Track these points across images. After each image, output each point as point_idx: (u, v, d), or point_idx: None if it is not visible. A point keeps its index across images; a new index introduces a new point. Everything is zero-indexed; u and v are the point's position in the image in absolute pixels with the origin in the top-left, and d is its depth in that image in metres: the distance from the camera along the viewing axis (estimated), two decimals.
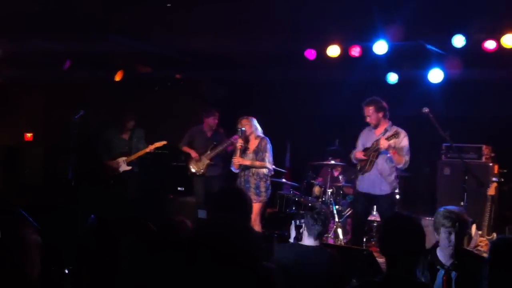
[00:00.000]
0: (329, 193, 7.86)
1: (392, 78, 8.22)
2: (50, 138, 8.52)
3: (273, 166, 7.06)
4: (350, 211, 7.70)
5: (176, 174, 9.08)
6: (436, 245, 3.81)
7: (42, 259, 2.93)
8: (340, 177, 8.17)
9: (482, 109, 8.07)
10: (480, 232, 6.43)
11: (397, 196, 6.69)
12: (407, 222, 2.90)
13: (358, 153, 6.42)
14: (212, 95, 9.84)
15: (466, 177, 6.18)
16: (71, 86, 8.15)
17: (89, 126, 8.26)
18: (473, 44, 7.08)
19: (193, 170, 7.98)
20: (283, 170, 8.73)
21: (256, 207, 6.41)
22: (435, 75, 7.80)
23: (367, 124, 6.55)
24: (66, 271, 3.10)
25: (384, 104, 6.35)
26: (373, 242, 7.58)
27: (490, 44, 7.05)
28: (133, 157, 7.95)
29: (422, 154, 8.15)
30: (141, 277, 3.16)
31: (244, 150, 6.93)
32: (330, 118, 9.25)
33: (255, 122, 7.00)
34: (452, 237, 3.64)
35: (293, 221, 4.30)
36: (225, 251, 2.14)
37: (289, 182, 8.55)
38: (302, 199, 8.17)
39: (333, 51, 7.81)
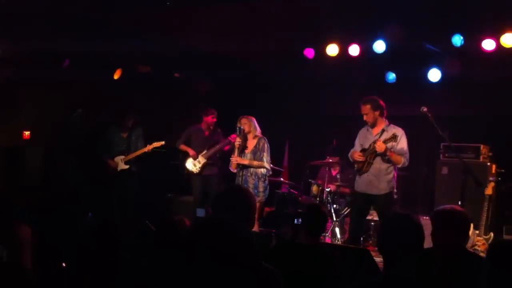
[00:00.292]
0: (327, 192, 7.87)
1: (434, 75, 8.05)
2: (49, 137, 8.51)
3: (271, 165, 7.06)
4: (348, 210, 7.71)
5: (174, 173, 9.07)
6: None
7: (39, 255, 2.94)
8: (338, 176, 8.17)
9: (480, 109, 8.08)
10: (477, 232, 6.44)
11: (395, 196, 6.69)
12: (406, 221, 2.89)
13: (355, 155, 6.41)
14: (211, 94, 9.84)
15: (464, 177, 6.18)
16: (70, 85, 8.13)
17: (89, 125, 8.26)
18: (472, 44, 7.09)
19: (190, 169, 7.98)
20: (281, 169, 8.74)
21: None
22: (434, 75, 7.81)
23: (366, 123, 6.54)
24: (63, 265, 3.11)
25: (381, 102, 6.34)
26: (370, 242, 7.59)
27: (489, 44, 7.05)
28: (131, 156, 7.94)
29: (421, 153, 8.18)
30: (140, 276, 3.16)
31: (242, 150, 6.93)
32: (328, 117, 9.27)
33: (254, 121, 6.99)
34: None
35: (291, 220, 4.31)
36: (223, 250, 2.14)
37: (287, 181, 8.56)
38: (300, 198, 8.19)
39: (332, 50, 7.81)
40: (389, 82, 8.32)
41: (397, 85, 8.25)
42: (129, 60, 8.55)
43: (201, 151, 7.94)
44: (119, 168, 7.96)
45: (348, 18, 6.75)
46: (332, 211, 7.69)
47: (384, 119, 6.37)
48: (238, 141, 6.89)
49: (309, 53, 7.99)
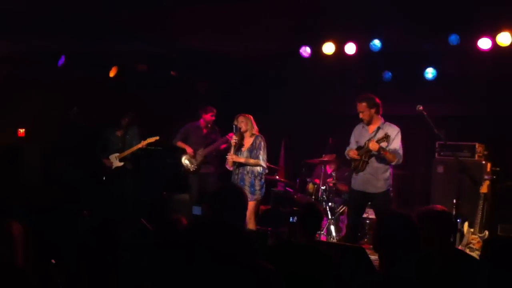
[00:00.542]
0: (322, 190, 7.88)
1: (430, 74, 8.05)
2: (45, 136, 8.50)
3: (267, 164, 7.07)
4: (343, 209, 7.73)
5: (170, 171, 9.07)
6: None
7: (35, 254, 2.95)
8: (334, 174, 8.19)
9: (476, 108, 8.11)
10: (472, 230, 6.47)
11: (391, 194, 6.71)
12: (402, 220, 2.91)
13: (351, 152, 6.43)
14: (207, 93, 9.84)
15: (460, 175, 6.20)
16: (67, 84, 8.12)
17: (85, 123, 8.24)
18: (468, 43, 7.10)
19: (186, 167, 7.98)
20: (277, 168, 8.75)
21: (250, 205, 6.40)
22: (430, 73, 7.83)
23: (361, 121, 6.55)
24: (53, 261, 3.12)
25: (377, 100, 6.35)
26: (365, 240, 7.62)
27: (485, 43, 7.07)
28: (126, 153, 7.94)
29: (417, 152, 8.19)
30: (139, 275, 3.17)
31: (238, 148, 6.93)
32: (325, 116, 9.28)
33: (251, 120, 6.99)
34: None
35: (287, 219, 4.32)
36: (223, 250, 2.15)
37: (283, 180, 8.57)
38: (295, 197, 8.20)
39: (328, 48, 7.81)
40: (385, 81, 8.34)
41: (393, 84, 8.27)
42: (126, 59, 8.54)
43: (198, 149, 7.94)
44: (114, 166, 7.96)
45: (345, 17, 6.75)
46: (328, 209, 7.71)
47: (380, 117, 6.39)
48: (234, 139, 6.90)
49: (306, 51, 7.99)
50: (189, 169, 7.95)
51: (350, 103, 6.61)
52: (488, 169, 7.42)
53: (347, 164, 7.04)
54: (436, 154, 7.92)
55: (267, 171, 7.05)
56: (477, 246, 6.27)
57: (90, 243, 4.01)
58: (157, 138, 7.85)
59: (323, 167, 8.15)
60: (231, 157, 6.88)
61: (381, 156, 6.21)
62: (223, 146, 7.67)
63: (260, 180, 6.88)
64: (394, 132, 6.23)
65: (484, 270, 2.77)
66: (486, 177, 6.90)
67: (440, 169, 7.78)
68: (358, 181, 6.44)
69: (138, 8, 6.62)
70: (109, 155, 7.98)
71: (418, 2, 6.23)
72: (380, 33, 7.32)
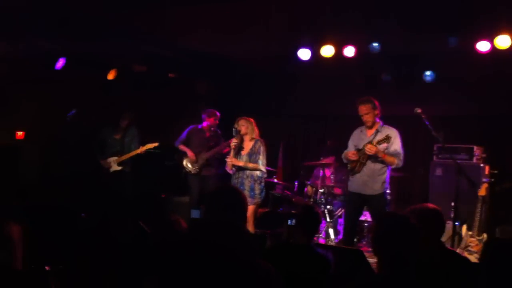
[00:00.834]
0: (321, 193, 7.88)
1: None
2: (44, 137, 8.50)
3: (266, 167, 7.07)
4: (341, 211, 7.72)
5: (168, 173, 9.06)
6: None
7: (34, 257, 2.92)
8: (332, 177, 8.19)
9: (474, 110, 8.12)
10: (470, 233, 6.47)
11: (388, 197, 6.71)
12: (400, 222, 2.91)
13: (350, 153, 6.42)
14: (206, 95, 9.84)
15: (458, 178, 6.20)
16: (66, 85, 8.13)
17: (84, 124, 8.24)
18: (467, 45, 7.12)
19: (188, 169, 7.98)
20: (275, 170, 8.75)
21: (250, 208, 6.38)
22: (428, 76, 7.84)
23: (360, 124, 6.56)
24: (47, 268, 3.11)
25: (377, 103, 6.38)
26: (364, 242, 7.61)
27: (483, 45, 7.08)
28: (124, 157, 7.91)
29: (415, 154, 8.20)
30: (139, 275, 3.16)
31: (238, 151, 6.93)
32: (323, 118, 9.29)
33: (252, 124, 6.97)
34: None
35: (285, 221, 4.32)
36: (222, 244, 2.15)
37: (281, 182, 8.56)
38: (294, 199, 8.19)
39: (327, 51, 7.81)
40: (384, 83, 8.34)
41: (391, 86, 8.27)
42: (125, 60, 8.54)
43: (200, 152, 7.94)
44: (112, 169, 7.93)
45: (344, 19, 6.76)
46: (326, 212, 7.70)
47: (379, 120, 6.40)
48: (234, 142, 6.89)
49: (305, 54, 7.99)
50: (190, 171, 7.96)
51: (349, 105, 6.61)
52: (487, 172, 7.44)
53: (345, 167, 7.03)
54: (434, 157, 7.92)
55: (266, 175, 7.05)
56: (475, 249, 6.28)
57: (89, 243, 4.01)
58: (156, 144, 7.81)
59: (321, 170, 8.15)
60: (230, 160, 6.88)
61: (379, 159, 6.21)
62: (226, 150, 7.66)
63: (260, 184, 6.87)
64: (393, 134, 6.23)
65: (484, 273, 2.76)
66: (484, 179, 6.91)
67: (439, 171, 7.78)
68: (355, 183, 6.43)
69: (137, 8, 6.62)
70: (106, 157, 7.95)
71: (417, 5, 6.23)
72: (379, 35, 7.32)
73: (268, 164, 7.25)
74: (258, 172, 6.86)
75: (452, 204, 6.23)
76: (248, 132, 6.91)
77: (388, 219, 3.08)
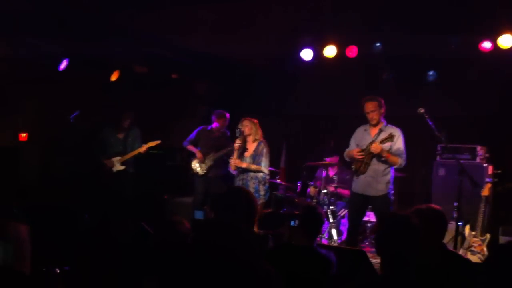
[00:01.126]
0: (324, 193, 7.86)
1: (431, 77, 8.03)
2: (46, 138, 8.51)
3: (269, 168, 7.07)
4: (344, 212, 7.70)
5: (171, 174, 9.06)
6: None
7: (35, 258, 2.89)
8: (335, 178, 8.17)
9: (477, 110, 8.09)
10: (473, 233, 6.45)
11: (392, 197, 6.69)
12: (401, 222, 2.90)
13: (354, 152, 6.38)
14: (208, 95, 9.84)
15: (461, 178, 6.18)
16: (67, 86, 8.13)
17: (86, 125, 8.24)
18: (469, 45, 7.10)
19: (195, 170, 7.98)
20: (278, 171, 8.73)
21: None
22: (431, 76, 7.82)
23: (364, 123, 6.54)
24: (58, 271, 3.08)
25: (383, 102, 6.37)
26: (367, 243, 7.60)
27: (486, 45, 7.07)
28: (127, 157, 7.92)
29: (418, 154, 8.17)
30: (139, 276, 3.16)
31: (242, 152, 6.92)
32: (326, 118, 9.27)
33: (256, 125, 6.97)
34: None
35: (287, 222, 4.30)
36: (222, 244, 2.15)
37: (284, 183, 8.55)
38: (296, 200, 8.18)
39: (330, 51, 7.80)
40: (387, 83, 8.32)
41: (394, 86, 8.25)
42: (126, 61, 8.54)
43: (208, 153, 7.94)
44: (115, 169, 7.94)
45: (346, 20, 6.75)
46: (329, 212, 7.69)
47: (383, 120, 6.39)
48: (237, 143, 6.89)
49: (307, 54, 7.98)
50: (197, 172, 7.96)
51: (352, 105, 6.60)
52: (490, 172, 7.41)
53: (348, 167, 7.02)
54: (438, 157, 7.91)
55: (268, 176, 7.04)
56: (478, 249, 6.26)
57: (90, 244, 4.01)
58: (159, 142, 7.84)
59: (324, 170, 8.13)
60: (234, 161, 6.88)
61: (383, 159, 6.20)
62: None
63: (264, 184, 6.89)
64: (396, 133, 6.22)
65: (490, 274, 2.74)
66: (487, 179, 6.89)
67: (441, 171, 7.76)
68: (359, 184, 6.42)
69: (137, 9, 6.61)
70: (109, 157, 7.95)
71: (419, 5, 6.22)
72: (382, 35, 7.31)
73: (271, 164, 7.25)
74: (261, 173, 6.86)
75: (455, 204, 6.20)
76: (251, 133, 6.91)
77: (389, 219, 3.09)
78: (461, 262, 3.59)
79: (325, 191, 7.87)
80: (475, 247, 6.32)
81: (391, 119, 6.46)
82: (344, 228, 7.70)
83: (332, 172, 8.38)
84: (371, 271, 4.42)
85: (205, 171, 7.94)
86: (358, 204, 6.52)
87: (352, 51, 7.73)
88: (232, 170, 7.02)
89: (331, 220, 7.66)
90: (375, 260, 4.38)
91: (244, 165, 6.85)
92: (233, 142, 7.28)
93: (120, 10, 6.67)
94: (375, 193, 6.30)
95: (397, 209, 7.36)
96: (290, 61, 8.27)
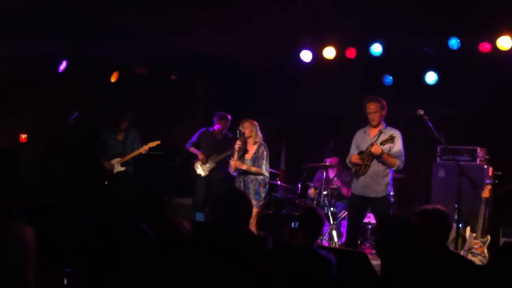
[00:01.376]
0: (324, 195, 7.85)
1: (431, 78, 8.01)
2: (46, 139, 8.50)
3: (269, 170, 7.07)
4: (345, 214, 7.70)
5: (171, 175, 9.05)
6: None
7: (38, 259, 2.87)
8: (335, 179, 8.16)
9: (477, 111, 8.09)
10: (474, 235, 6.44)
11: (392, 199, 6.69)
12: (400, 223, 2.90)
13: (353, 157, 6.41)
14: (208, 96, 9.84)
15: (461, 179, 6.18)
16: (67, 87, 8.13)
17: (85, 127, 8.24)
18: (469, 46, 7.10)
19: (198, 172, 7.98)
20: (278, 172, 8.73)
21: (254, 211, 6.42)
22: (431, 77, 7.82)
23: (362, 125, 6.54)
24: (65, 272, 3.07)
25: (385, 104, 6.37)
26: (367, 245, 7.59)
27: (485, 46, 7.07)
28: (127, 157, 7.91)
29: (418, 156, 8.17)
30: (140, 277, 3.15)
31: (242, 154, 6.93)
32: (326, 119, 9.26)
33: (257, 127, 6.98)
34: None
35: (288, 223, 4.30)
36: (222, 245, 2.14)
37: (284, 184, 8.55)
38: (296, 201, 8.17)
39: (329, 53, 7.80)
40: (386, 84, 8.32)
41: (394, 87, 8.25)
42: (126, 62, 8.54)
43: (211, 155, 7.94)
44: (115, 171, 7.93)
45: (346, 21, 6.75)
46: (329, 214, 7.68)
47: (383, 122, 6.39)
48: (238, 145, 6.89)
49: (306, 56, 7.98)
50: (200, 174, 7.96)
51: (351, 106, 6.59)
52: (490, 173, 7.41)
53: (348, 168, 7.01)
54: (438, 158, 7.90)
55: (268, 179, 7.05)
56: (479, 251, 6.25)
57: (90, 244, 4.00)
58: (159, 142, 7.83)
59: (324, 171, 8.13)
60: (234, 163, 6.88)
61: (382, 160, 6.20)
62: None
63: (265, 186, 6.91)
64: (396, 135, 6.22)
65: (493, 276, 2.74)
66: (487, 181, 6.88)
67: (441, 173, 7.76)
68: (358, 185, 6.42)
69: (137, 9, 6.61)
70: (108, 158, 7.94)
71: (419, 6, 6.22)
72: (381, 36, 7.31)
73: (271, 165, 7.25)
74: (261, 176, 6.87)
75: (455, 205, 6.19)
76: (251, 135, 6.92)
77: (389, 220, 3.09)
78: (464, 263, 3.58)
79: (325, 192, 7.87)
80: (476, 249, 6.31)
81: (391, 121, 6.46)
82: (345, 229, 7.70)
83: (332, 173, 8.37)
84: (372, 272, 4.41)
85: (207, 173, 7.94)
86: (357, 205, 6.52)
87: (351, 53, 7.73)
88: (231, 171, 7.03)
89: (331, 221, 7.66)
90: (376, 262, 4.37)
91: (244, 167, 6.86)
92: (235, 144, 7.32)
93: (119, 11, 6.67)
94: (375, 194, 6.30)
95: (397, 210, 7.36)
96: (290, 62, 8.26)
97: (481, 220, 6.47)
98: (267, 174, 6.92)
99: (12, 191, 7.48)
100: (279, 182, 8.48)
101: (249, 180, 6.87)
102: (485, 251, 6.29)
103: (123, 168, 7.93)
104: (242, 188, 6.73)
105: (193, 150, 8.07)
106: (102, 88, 8.53)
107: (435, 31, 6.85)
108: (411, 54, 7.66)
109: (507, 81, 7.54)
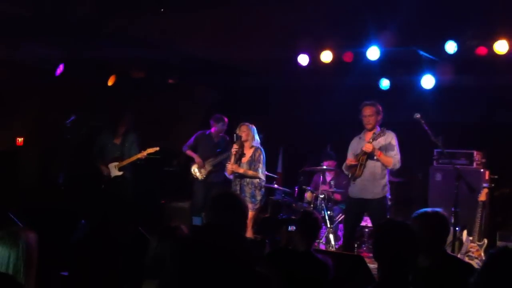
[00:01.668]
0: (321, 198, 7.86)
1: (385, 83, 8.23)
2: (43, 143, 8.49)
3: (266, 173, 7.08)
4: (342, 217, 7.70)
5: (168, 179, 9.05)
6: None
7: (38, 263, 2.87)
8: (332, 182, 8.17)
9: (474, 115, 8.12)
10: (471, 238, 6.46)
11: (389, 202, 6.69)
12: (400, 228, 2.91)
13: (348, 159, 6.43)
14: (206, 100, 9.84)
15: (458, 183, 6.19)
16: (64, 90, 8.13)
17: (82, 130, 8.23)
18: (466, 50, 7.12)
19: (195, 175, 7.97)
20: (275, 176, 8.74)
21: (250, 214, 6.43)
22: (427, 81, 7.84)
23: (359, 130, 6.56)
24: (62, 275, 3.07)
25: (381, 109, 6.40)
26: (364, 248, 7.59)
27: (482, 51, 7.08)
28: (125, 162, 7.89)
29: (415, 159, 8.19)
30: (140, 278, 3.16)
31: (239, 157, 6.94)
32: (322, 123, 9.28)
33: (254, 131, 7.00)
34: None
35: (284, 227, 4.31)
36: (221, 251, 2.15)
37: (281, 188, 8.56)
38: (294, 205, 8.18)
39: (326, 57, 7.81)
40: (383, 88, 8.35)
41: (390, 92, 8.27)
42: (123, 66, 8.54)
43: (208, 158, 7.94)
44: (112, 175, 7.91)
45: (342, 25, 6.77)
46: (326, 217, 7.69)
47: (378, 126, 6.41)
48: (235, 148, 6.90)
49: (303, 59, 7.99)
50: (197, 177, 7.95)
51: (348, 110, 6.60)
52: (487, 177, 7.43)
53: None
54: (434, 162, 7.92)
55: (264, 182, 7.06)
56: (476, 254, 6.27)
57: (90, 246, 4.00)
58: (157, 149, 7.80)
59: (321, 175, 8.14)
60: (231, 166, 6.89)
61: (375, 159, 6.22)
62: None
63: (260, 189, 6.93)
64: (389, 136, 6.26)
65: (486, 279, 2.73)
66: (484, 185, 6.90)
67: (438, 176, 7.78)
68: (355, 188, 6.43)
69: (135, 13, 6.62)
70: (106, 162, 7.93)
71: (415, 10, 6.24)
72: (378, 40, 7.32)
73: (268, 169, 7.26)
74: (257, 179, 6.89)
75: (452, 209, 6.21)
76: (248, 138, 6.94)
77: (386, 223, 3.10)
78: (463, 266, 3.59)
79: (322, 196, 7.88)
80: (472, 252, 6.32)
81: (388, 125, 6.48)
82: (342, 233, 7.71)
83: (329, 177, 8.38)
84: (369, 276, 4.42)
85: (204, 176, 7.94)
86: (354, 209, 6.53)
87: (348, 56, 7.74)
88: (228, 174, 7.04)
89: (328, 225, 7.66)
90: (373, 265, 4.38)
91: (241, 170, 6.87)
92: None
93: (117, 14, 6.68)
94: (372, 196, 6.32)
95: (394, 214, 7.38)
96: (287, 66, 8.27)
97: (478, 224, 6.48)
98: (263, 177, 6.94)
99: (10, 194, 7.47)
100: (276, 185, 8.49)
101: (245, 184, 6.89)
102: (482, 254, 6.31)
103: (120, 173, 7.91)
104: (238, 191, 6.75)
105: (190, 153, 8.07)
106: (100, 92, 8.53)
107: (432, 35, 6.86)
108: (408, 58, 7.67)
109: (503, 85, 7.56)
